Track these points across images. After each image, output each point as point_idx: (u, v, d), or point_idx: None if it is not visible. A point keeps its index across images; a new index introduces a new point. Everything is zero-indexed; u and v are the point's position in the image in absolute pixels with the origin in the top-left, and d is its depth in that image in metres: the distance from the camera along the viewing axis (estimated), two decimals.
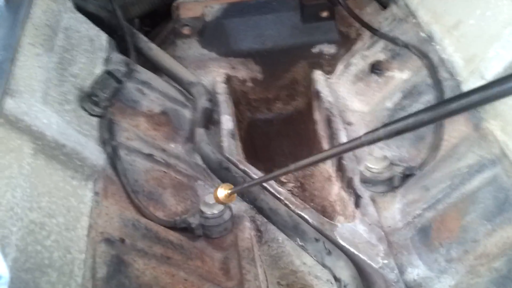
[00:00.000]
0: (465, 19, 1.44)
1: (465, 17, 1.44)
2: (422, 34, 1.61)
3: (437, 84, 1.48)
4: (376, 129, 0.85)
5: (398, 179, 1.38)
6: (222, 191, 1.21)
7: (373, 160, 1.38)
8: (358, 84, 1.76)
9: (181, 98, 1.65)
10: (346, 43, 1.88)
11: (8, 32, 1.09)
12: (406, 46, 1.64)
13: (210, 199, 1.24)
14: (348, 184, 1.43)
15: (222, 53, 1.83)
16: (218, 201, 1.22)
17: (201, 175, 1.47)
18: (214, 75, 1.80)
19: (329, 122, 1.65)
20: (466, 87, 1.38)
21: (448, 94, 1.46)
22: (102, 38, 1.56)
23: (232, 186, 1.22)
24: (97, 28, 1.56)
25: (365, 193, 1.39)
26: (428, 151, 1.39)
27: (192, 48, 1.81)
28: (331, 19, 1.87)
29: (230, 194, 1.21)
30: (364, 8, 1.95)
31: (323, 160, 1.29)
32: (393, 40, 1.69)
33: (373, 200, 1.38)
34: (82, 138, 1.21)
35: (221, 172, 1.44)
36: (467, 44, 1.41)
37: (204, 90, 1.68)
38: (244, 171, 1.43)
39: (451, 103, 0.72)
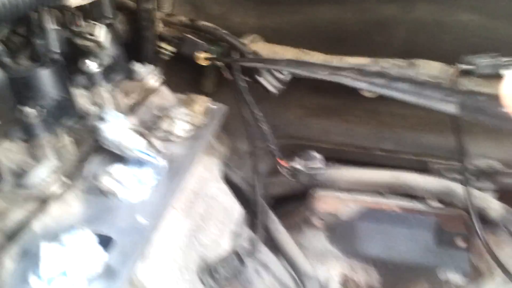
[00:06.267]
0: None
1: None
2: None
3: None
4: None
5: None
6: None
7: None
8: None
9: None
10: (476, 277, 1.78)
11: (162, 198, 1.15)
12: None
13: None
14: None
15: (346, 252, 1.80)
16: None
17: None
18: (332, 272, 1.77)
19: None
20: None
21: None
22: (237, 211, 1.61)
23: None
24: (234, 200, 1.62)
25: None
26: None
27: (319, 240, 1.81)
28: (465, 250, 1.79)
29: None
30: (502, 246, 1.86)
31: None
32: None
33: None
34: None
35: None
36: None
37: (318, 285, 1.65)
38: None
39: None
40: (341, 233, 1.82)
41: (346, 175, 1.88)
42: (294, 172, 1.55)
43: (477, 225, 1.72)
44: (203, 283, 1.33)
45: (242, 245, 1.53)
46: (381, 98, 1.79)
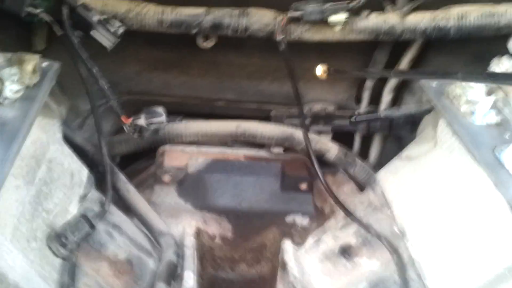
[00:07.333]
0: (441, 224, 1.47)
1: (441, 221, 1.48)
2: (395, 229, 1.63)
3: (404, 284, 1.48)
4: None
5: None
6: None
7: None
8: (326, 263, 1.74)
9: (148, 247, 1.62)
10: (319, 217, 1.90)
11: None
12: (377, 236, 1.65)
13: None
14: None
15: (197, 206, 1.82)
16: None
17: None
18: (185, 226, 1.78)
19: None
20: None
21: None
22: (83, 174, 1.54)
23: None
24: (79, 163, 1.55)
25: None
26: None
27: (169, 196, 1.81)
28: (309, 193, 1.90)
29: None
30: (341, 186, 1.99)
31: None
32: (366, 227, 1.70)
33: None
34: (42, 283, 1.16)
35: None
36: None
37: (172, 242, 1.65)
38: None
39: None
40: (191, 187, 1.83)
41: (190, 128, 1.89)
42: (138, 129, 1.51)
43: (317, 168, 1.82)
44: (52, 250, 1.27)
45: (91, 208, 1.48)
46: (218, 49, 1.80)
